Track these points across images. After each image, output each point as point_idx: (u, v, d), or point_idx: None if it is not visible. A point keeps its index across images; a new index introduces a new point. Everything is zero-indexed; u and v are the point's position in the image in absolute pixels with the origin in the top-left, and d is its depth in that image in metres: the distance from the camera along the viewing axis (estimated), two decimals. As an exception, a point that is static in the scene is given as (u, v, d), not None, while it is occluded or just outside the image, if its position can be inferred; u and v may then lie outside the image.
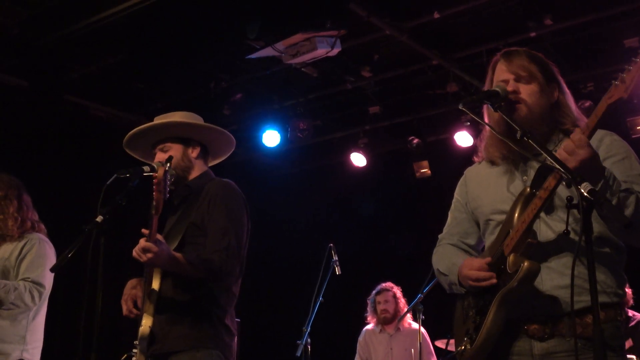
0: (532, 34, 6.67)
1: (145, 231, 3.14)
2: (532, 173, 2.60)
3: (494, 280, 2.53)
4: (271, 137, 8.39)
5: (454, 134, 7.95)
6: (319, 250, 6.56)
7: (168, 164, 3.29)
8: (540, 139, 2.52)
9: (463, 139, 7.86)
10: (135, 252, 3.18)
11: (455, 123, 7.89)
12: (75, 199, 7.23)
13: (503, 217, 2.63)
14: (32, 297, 4.34)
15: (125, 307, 3.49)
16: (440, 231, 3.02)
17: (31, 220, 4.63)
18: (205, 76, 7.57)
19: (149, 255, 3.13)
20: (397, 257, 8.44)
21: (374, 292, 6.96)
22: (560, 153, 2.35)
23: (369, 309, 6.97)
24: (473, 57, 7.20)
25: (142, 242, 3.15)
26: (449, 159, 7.94)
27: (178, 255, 3.30)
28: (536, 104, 2.66)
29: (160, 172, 3.13)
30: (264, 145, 8.48)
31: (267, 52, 6.19)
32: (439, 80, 7.62)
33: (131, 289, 3.53)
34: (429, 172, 8.46)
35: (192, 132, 3.72)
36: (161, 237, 3.22)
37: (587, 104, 6.92)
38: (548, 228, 2.55)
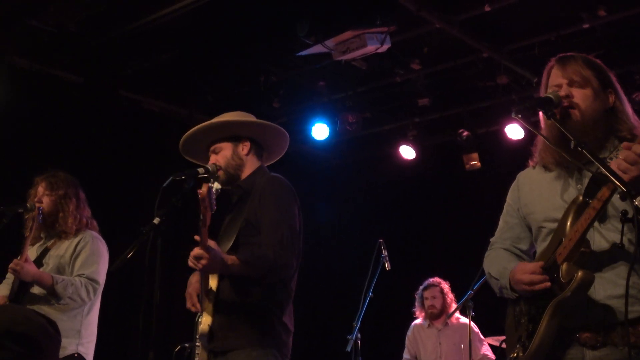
0: (585, 26, 6.55)
1: (197, 238, 3.17)
2: (586, 182, 2.58)
3: (548, 284, 2.51)
4: (320, 130, 8.40)
5: (504, 127, 7.86)
6: (369, 244, 6.57)
7: (212, 180, 3.32)
8: (595, 147, 2.50)
9: (514, 131, 7.78)
10: (190, 262, 3.22)
11: (506, 115, 7.77)
12: (129, 191, 7.41)
13: (555, 225, 2.62)
14: (88, 292, 4.46)
15: (189, 300, 3.55)
16: (490, 223, 3.02)
17: (86, 217, 4.76)
18: (255, 70, 7.62)
19: (203, 262, 3.15)
20: (447, 252, 8.39)
21: (421, 287, 6.93)
22: (619, 163, 2.33)
23: (416, 304, 6.94)
24: (524, 49, 7.10)
25: (195, 249, 3.17)
26: (499, 151, 7.87)
27: (232, 257, 3.31)
28: (590, 108, 2.63)
29: (204, 189, 3.10)
30: (313, 138, 8.50)
31: (317, 49, 6.19)
32: (489, 72, 7.54)
33: (195, 282, 3.58)
34: (479, 164, 8.38)
35: (238, 129, 3.76)
36: (214, 243, 3.23)
37: (642, 96, 6.80)
38: (602, 237, 2.53)
